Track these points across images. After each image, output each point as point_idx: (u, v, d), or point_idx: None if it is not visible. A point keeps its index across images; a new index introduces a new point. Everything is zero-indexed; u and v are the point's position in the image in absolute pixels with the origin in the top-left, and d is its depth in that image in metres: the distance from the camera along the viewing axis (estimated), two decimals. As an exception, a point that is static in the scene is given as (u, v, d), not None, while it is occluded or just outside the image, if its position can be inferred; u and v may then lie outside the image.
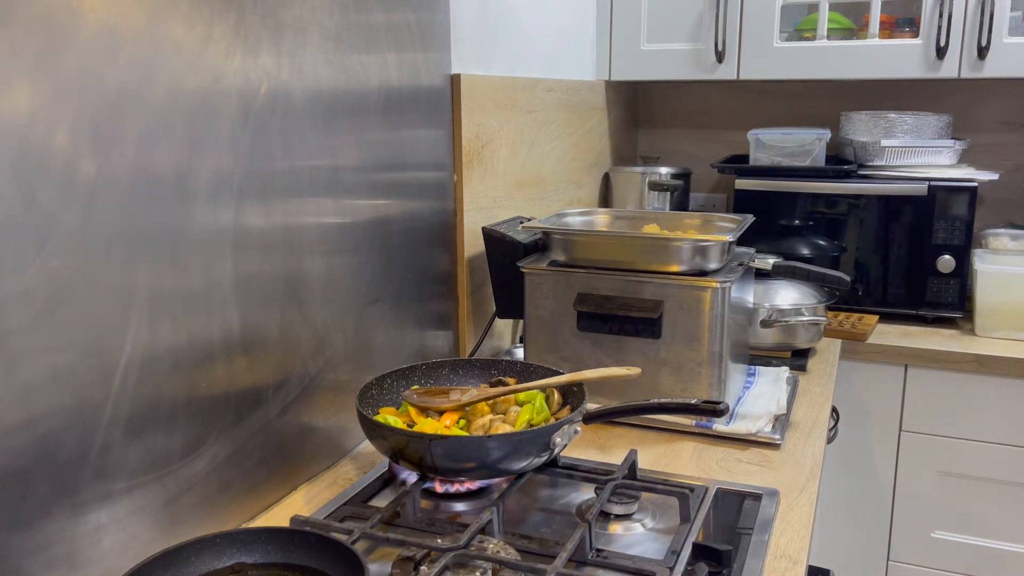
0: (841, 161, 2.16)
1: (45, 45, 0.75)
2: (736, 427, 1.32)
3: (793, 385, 1.52)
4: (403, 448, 1.02)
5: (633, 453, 1.13)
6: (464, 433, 1.11)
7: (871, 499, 1.99)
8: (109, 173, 0.82)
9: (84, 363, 0.81)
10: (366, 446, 1.28)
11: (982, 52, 1.95)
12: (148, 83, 0.85)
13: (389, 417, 1.12)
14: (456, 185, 1.50)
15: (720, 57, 2.15)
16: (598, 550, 0.96)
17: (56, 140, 0.76)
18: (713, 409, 1.09)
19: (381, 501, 1.11)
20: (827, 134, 2.13)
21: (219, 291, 0.98)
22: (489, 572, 0.89)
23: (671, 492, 1.06)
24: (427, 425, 1.10)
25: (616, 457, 1.24)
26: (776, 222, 2.10)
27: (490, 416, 1.13)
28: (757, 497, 1.11)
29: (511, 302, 1.53)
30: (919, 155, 2.06)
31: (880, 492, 1.98)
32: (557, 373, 1.19)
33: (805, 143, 2.13)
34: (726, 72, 2.17)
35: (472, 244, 1.55)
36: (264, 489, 1.08)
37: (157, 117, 0.87)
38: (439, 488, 1.09)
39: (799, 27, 2.19)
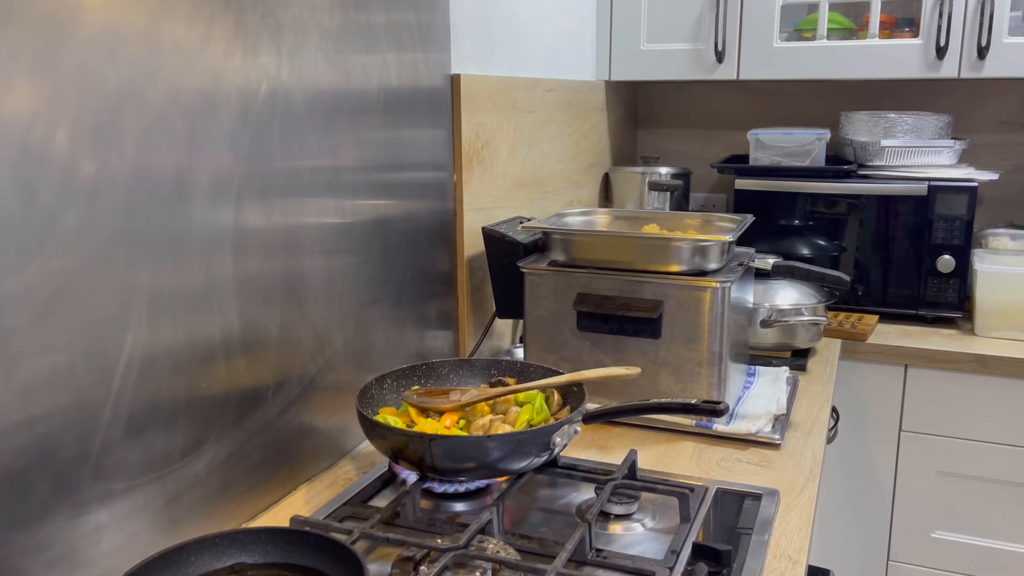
0: (841, 161, 2.16)
1: (45, 45, 0.75)
2: (736, 427, 1.32)
3: (793, 385, 1.52)
4: (403, 448, 1.02)
5: (633, 453, 1.13)
6: (464, 433, 1.11)
7: (871, 499, 1.99)
8: (109, 173, 0.82)
9: (84, 363, 0.81)
10: (366, 446, 1.29)
11: (982, 52, 1.95)
12: (148, 83, 0.85)
13: (389, 417, 1.12)
14: (456, 185, 1.50)
15: (720, 57, 2.15)
16: (598, 550, 0.96)
17: (56, 140, 0.76)
18: (713, 409, 1.09)
19: (381, 501, 1.11)
20: (827, 134, 2.13)
21: (219, 291, 0.98)
22: (489, 572, 0.89)
23: (671, 492, 1.06)
24: (427, 425, 1.10)
25: (616, 457, 1.24)
26: (776, 222, 2.10)
27: (490, 416, 1.13)
28: (757, 497, 1.11)
29: (511, 302, 1.53)
30: (919, 155, 2.06)
31: (880, 492, 1.98)
32: (557, 373, 1.19)
33: (805, 143, 2.13)
34: (726, 72, 2.17)
35: (472, 244, 1.55)
36: (264, 489, 1.09)
37: (157, 117, 0.87)
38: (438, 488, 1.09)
39: (799, 27, 2.19)
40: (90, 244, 0.81)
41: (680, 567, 0.92)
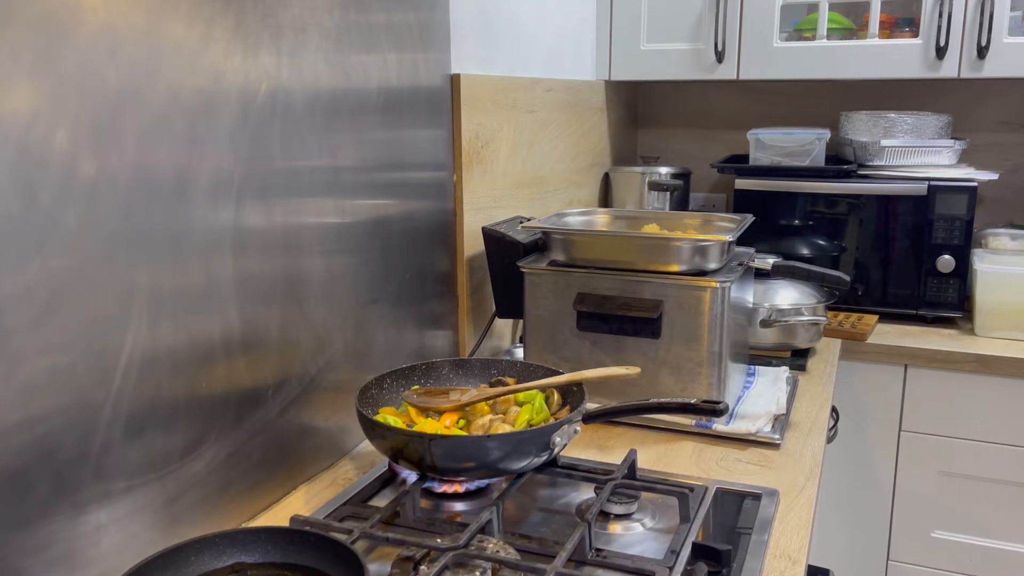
0: (841, 161, 2.16)
1: (45, 45, 0.75)
2: (736, 427, 1.32)
3: (793, 385, 1.52)
4: (403, 448, 1.03)
5: (633, 453, 1.13)
6: (464, 433, 1.11)
7: (871, 499, 1.99)
8: (109, 173, 0.82)
9: (84, 363, 0.81)
10: (366, 446, 1.29)
11: (982, 52, 1.95)
12: (148, 83, 0.85)
13: (389, 417, 1.12)
14: (456, 185, 1.50)
15: (720, 57, 2.15)
16: (598, 550, 0.96)
17: (56, 140, 0.76)
18: (713, 409, 1.09)
19: (381, 501, 1.11)
20: (827, 134, 2.13)
21: (219, 291, 0.98)
22: (489, 572, 0.89)
23: (671, 492, 1.06)
24: (427, 425, 1.10)
25: (616, 457, 1.24)
26: (776, 222, 2.11)
27: (490, 416, 1.13)
28: (757, 497, 1.11)
29: (511, 302, 1.53)
30: (919, 155, 2.06)
31: (880, 492, 1.98)
32: (557, 373, 1.19)
33: (805, 143, 2.13)
34: (726, 72, 2.17)
35: (472, 244, 1.55)
36: (264, 489, 1.09)
37: (157, 117, 0.87)
38: (440, 488, 1.09)
39: (799, 27, 2.19)
40: (90, 244, 0.81)
41: (680, 567, 0.92)
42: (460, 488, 1.09)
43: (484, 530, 0.96)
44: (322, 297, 1.16)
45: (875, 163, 2.08)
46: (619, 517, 1.06)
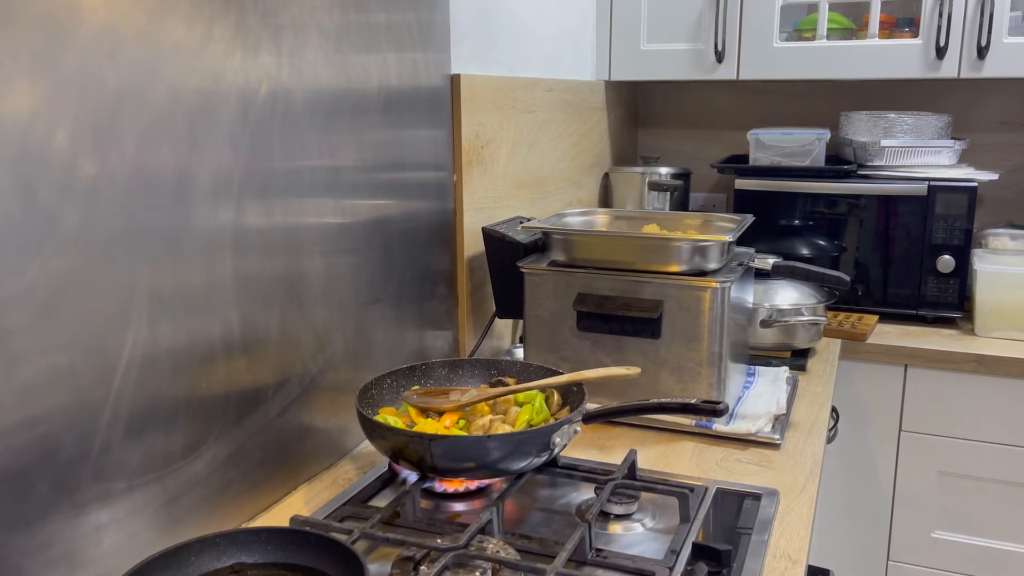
0: (841, 161, 2.16)
1: (45, 45, 0.75)
2: (736, 427, 1.32)
3: (793, 385, 1.52)
4: (403, 448, 1.03)
5: (633, 453, 1.13)
6: (464, 433, 1.11)
7: (871, 499, 1.99)
8: (109, 173, 0.82)
9: (84, 363, 0.81)
10: (366, 446, 1.29)
11: (982, 52, 1.95)
12: (148, 83, 0.85)
13: (389, 417, 1.12)
14: (456, 185, 1.50)
15: (720, 57, 2.15)
16: (598, 550, 0.96)
17: (56, 140, 0.76)
18: (713, 409, 1.09)
19: (381, 501, 1.11)
20: (827, 134, 2.13)
21: (219, 291, 0.98)
22: (489, 572, 0.89)
23: (671, 492, 1.06)
24: (427, 425, 1.11)
25: (616, 457, 1.24)
26: (776, 222, 2.11)
27: (490, 416, 1.13)
28: (757, 497, 1.11)
29: (511, 302, 1.53)
30: (919, 155, 2.06)
31: (880, 492, 1.98)
32: (557, 373, 1.19)
33: (805, 143, 2.13)
34: (726, 72, 2.17)
35: (472, 244, 1.55)
36: (264, 489, 1.09)
37: (157, 117, 0.87)
38: (446, 486, 1.09)
39: (799, 27, 2.19)
40: (90, 244, 0.81)
41: (680, 567, 0.92)
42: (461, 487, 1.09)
43: (484, 530, 0.96)
44: (322, 297, 1.16)
45: (875, 163, 2.08)
46: (619, 517, 1.06)
